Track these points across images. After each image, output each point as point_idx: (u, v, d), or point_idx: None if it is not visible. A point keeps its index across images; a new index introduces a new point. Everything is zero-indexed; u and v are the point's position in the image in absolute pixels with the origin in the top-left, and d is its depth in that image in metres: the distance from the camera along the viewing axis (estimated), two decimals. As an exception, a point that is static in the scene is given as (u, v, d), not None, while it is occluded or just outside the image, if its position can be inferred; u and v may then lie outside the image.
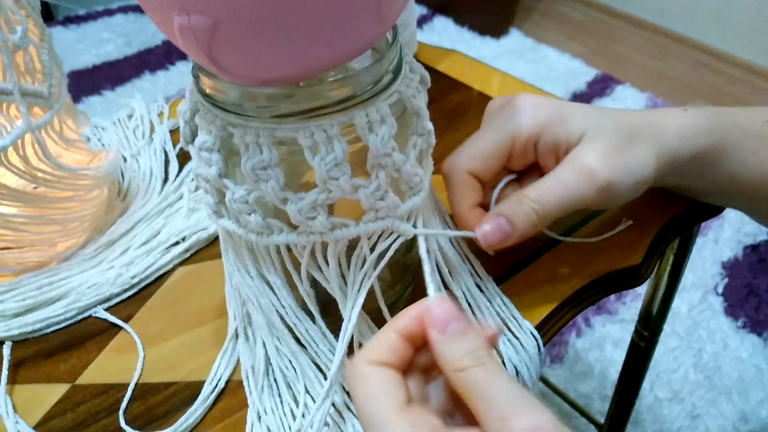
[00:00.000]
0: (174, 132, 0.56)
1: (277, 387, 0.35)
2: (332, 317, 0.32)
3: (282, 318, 0.33)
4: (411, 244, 0.33)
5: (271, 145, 0.27)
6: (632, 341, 0.68)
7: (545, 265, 0.41)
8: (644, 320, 0.65)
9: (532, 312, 0.37)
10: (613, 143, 0.35)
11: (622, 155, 0.35)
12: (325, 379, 0.33)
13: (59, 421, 0.34)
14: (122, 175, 0.51)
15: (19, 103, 0.38)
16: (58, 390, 0.36)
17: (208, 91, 0.28)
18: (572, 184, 0.34)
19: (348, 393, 0.33)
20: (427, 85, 0.32)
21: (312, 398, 0.34)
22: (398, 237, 0.30)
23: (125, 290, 0.42)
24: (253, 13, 0.22)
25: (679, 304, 1.08)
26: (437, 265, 0.34)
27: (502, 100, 0.39)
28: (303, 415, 0.33)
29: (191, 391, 0.35)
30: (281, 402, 0.34)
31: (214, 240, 0.45)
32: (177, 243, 0.44)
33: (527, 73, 1.78)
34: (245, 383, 0.35)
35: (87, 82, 1.70)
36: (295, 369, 0.34)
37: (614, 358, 1.00)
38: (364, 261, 0.30)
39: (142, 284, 0.42)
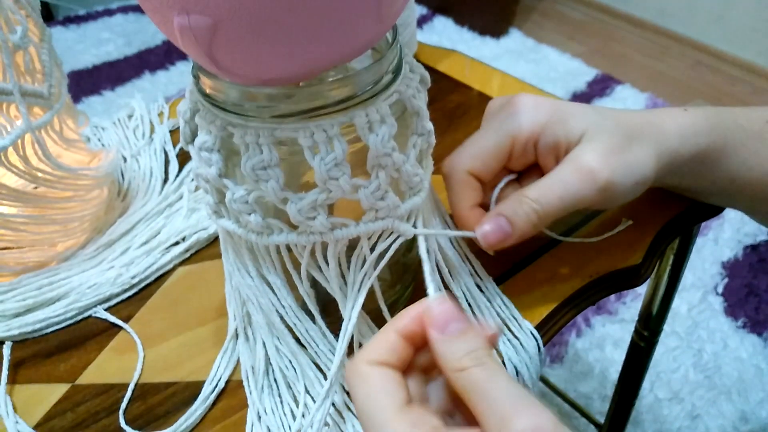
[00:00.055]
0: (174, 132, 0.56)
1: (277, 387, 0.35)
2: (332, 317, 0.32)
3: (282, 318, 0.33)
4: (411, 244, 0.33)
5: (271, 145, 0.27)
6: (632, 341, 0.68)
7: (545, 265, 0.41)
8: (644, 320, 0.65)
9: (532, 312, 0.37)
10: (613, 143, 0.35)
11: (622, 155, 0.35)
12: (325, 379, 0.33)
13: (59, 421, 0.34)
14: (122, 175, 0.51)
15: (19, 103, 0.38)
16: (58, 390, 0.36)
17: (208, 91, 0.28)
18: (572, 184, 0.34)
19: (348, 393, 0.33)
20: (427, 85, 0.32)
21: (312, 398, 0.34)
22: (398, 237, 0.30)
23: (125, 290, 0.42)
24: (253, 12, 0.22)
25: (679, 304, 1.09)
26: (437, 265, 0.34)
27: (502, 100, 0.39)
28: (303, 415, 0.33)
29: (191, 391, 0.35)
30: (281, 402, 0.34)
31: (214, 240, 0.45)
32: (177, 243, 0.44)
33: (527, 73, 1.78)
34: (245, 383, 0.35)
35: (87, 82, 1.71)
36: (295, 369, 0.34)
37: (614, 358, 1.00)
38: (364, 261, 0.30)
39: (142, 284, 0.42)
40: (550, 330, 0.38)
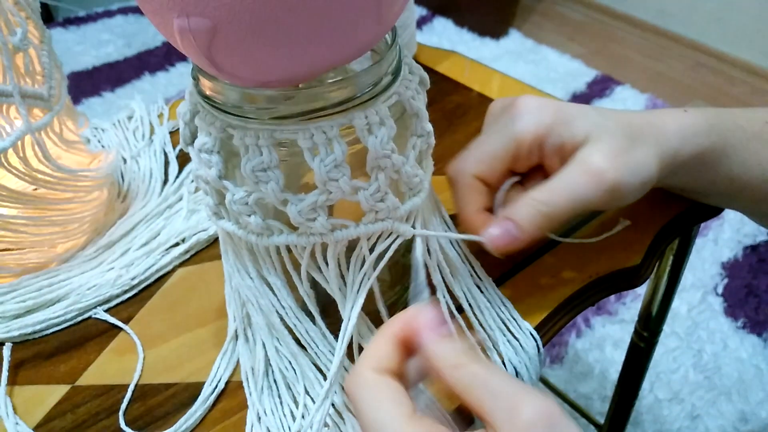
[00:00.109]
0: (174, 133, 0.56)
1: (277, 388, 0.35)
2: (332, 318, 0.32)
3: (282, 319, 0.33)
4: (410, 244, 0.33)
5: (271, 146, 0.27)
6: (632, 342, 0.69)
7: (545, 265, 0.41)
8: (644, 321, 0.65)
9: (531, 313, 0.38)
10: (617, 144, 0.35)
11: (628, 156, 0.35)
12: (325, 380, 0.33)
13: (59, 422, 0.35)
14: (122, 176, 0.51)
15: (18, 104, 0.38)
16: (58, 391, 0.36)
17: (207, 92, 0.28)
18: (580, 186, 0.34)
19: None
20: (426, 87, 0.32)
21: (312, 399, 0.34)
22: (397, 237, 0.30)
23: (125, 291, 0.42)
24: (253, 14, 0.22)
25: (678, 304, 1.09)
26: (438, 266, 0.34)
27: (504, 102, 0.39)
28: (303, 416, 0.33)
29: (191, 392, 0.35)
30: (281, 403, 0.34)
31: (213, 241, 0.45)
32: (177, 244, 0.44)
33: (527, 74, 1.78)
34: (245, 384, 0.35)
35: (87, 84, 1.71)
36: (294, 370, 0.34)
37: (614, 358, 1.00)
38: (364, 262, 0.30)
39: (142, 285, 0.42)
40: (550, 331, 0.38)
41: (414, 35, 0.63)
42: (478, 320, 0.36)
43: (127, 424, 0.34)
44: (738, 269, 1.15)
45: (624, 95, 1.70)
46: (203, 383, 0.35)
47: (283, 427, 0.33)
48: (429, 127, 0.31)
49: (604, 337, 1.04)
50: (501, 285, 0.39)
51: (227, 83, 0.27)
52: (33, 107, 0.40)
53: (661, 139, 0.36)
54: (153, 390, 0.36)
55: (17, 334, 0.39)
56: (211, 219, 0.32)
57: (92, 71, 1.77)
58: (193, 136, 0.30)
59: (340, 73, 0.33)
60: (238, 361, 0.37)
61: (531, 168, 0.38)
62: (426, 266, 0.31)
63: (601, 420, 0.81)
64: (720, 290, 1.12)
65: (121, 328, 0.39)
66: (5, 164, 0.38)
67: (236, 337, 0.37)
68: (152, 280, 0.42)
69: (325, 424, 0.32)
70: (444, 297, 0.34)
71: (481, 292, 0.38)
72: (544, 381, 0.91)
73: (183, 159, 0.52)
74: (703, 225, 0.53)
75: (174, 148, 0.54)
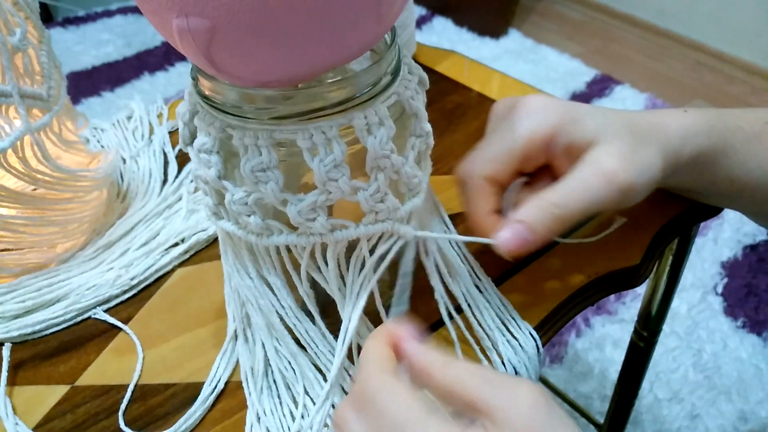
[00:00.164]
0: (173, 133, 0.56)
1: (277, 388, 0.35)
2: (332, 318, 0.32)
3: (281, 319, 0.33)
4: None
5: (270, 146, 0.27)
6: (632, 341, 0.69)
7: (544, 265, 0.41)
8: (644, 320, 0.65)
9: (531, 312, 0.38)
10: (625, 144, 0.35)
11: (636, 156, 0.35)
12: (325, 380, 0.33)
13: (59, 422, 0.35)
14: (121, 176, 0.51)
15: (18, 105, 0.38)
16: (58, 391, 0.36)
17: (206, 92, 0.28)
18: (593, 187, 0.34)
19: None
20: (425, 87, 0.32)
21: (311, 399, 0.34)
22: (398, 239, 0.30)
23: (124, 291, 0.42)
24: (252, 15, 0.22)
25: (678, 304, 1.09)
26: (436, 266, 0.34)
27: (508, 102, 0.39)
28: (302, 416, 0.33)
29: (191, 392, 0.35)
30: (280, 403, 0.34)
31: (213, 241, 0.45)
32: (176, 244, 0.44)
33: (526, 74, 1.78)
34: (244, 384, 0.35)
35: (86, 84, 1.71)
36: (294, 370, 0.34)
37: (614, 358, 1.00)
38: (363, 262, 0.30)
39: (142, 286, 0.42)
40: (550, 330, 0.38)
41: (413, 35, 0.63)
42: (477, 320, 0.36)
43: (126, 425, 0.34)
44: (738, 269, 1.15)
45: (623, 95, 1.70)
46: (203, 383, 0.35)
47: (282, 427, 0.33)
48: (428, 127, 0.31)
49: (604, 336, 1.04)
50: (500, 285, 0.39)
51: (226, 83, 0.27)
52: (32, 107, 0.40)
53: (663, 140, 0.36)
54: (153, 390, 0.36)
55: (17, 335, 0.39)
56: (210, 219, 0.32)
57: (91, 71, 1.77)
58: (193, 136, 0.30)
59: (339, 73, 0.33)
60: (237, 361, 0.37)
61: (538, 168, 0.38)
62: (413, 273, 0.31)
63: (601, 420, 0.81)
64: (720, 290, 1.12)
65: (120, 329, 0.39)
66: (4, 164, 0.38)
67: (236, 337, 0.37)
68: (152, 280, 0.42)
69: (325, 425, 0.32)
70: (443, 298, 0.34)
71: (480, 292, 0.38)
72: (544, 381, 0.91)
73: (182, 159, 0.52)
74: (702, 224, 0.53)
75: (173, 148, 0.54)
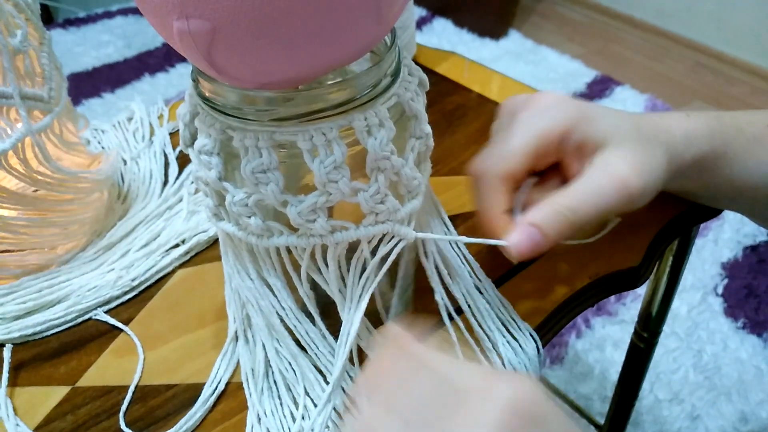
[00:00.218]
0: (174, 135, 0.56)
1: (277, 389, 0.35)
2: (332, 319, 0.32)
3: (282, 320, 0.33)
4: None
5: (271, 148, 0.27)
6: (632, 342, 0.69)
7: (544, 266, 0.41)
8: (644, 321, 0.65)
9: (531, 313, 0.38)
10: (636, 148, 0.35)
11: (646, 160, 0.35)
12: (325, 381, 0.33)
13: (59, 423, 0.35)
14: (122, 177, 0.51)
15: (19, 106, 0.38)
16: (59, 392, 0.36)
17: (207, 94, 0.28)
18: (607, 192, 0.34)
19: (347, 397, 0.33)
20: (425, 88, 0.32)
21: (312, 400, 0.34)
22: (399, 241, 0.30)
23: (125, 293, 0.42)
24: (253, 16, 0.22)
25: (678, 305, 1.09)
26: (436, 267, 0.34)
27: (519, 99, 0.38)
28: (303, 417, 0.33)
29: (191, 393, 0.35)
30: (281, 404, 0.34)
31: (213, 242, 0.45)
32: (177, 245, 0.45)
33: (527, 75, 1.78)
34: (245, 385, 0.35)
35: (87, 85, 1.71)
36: (294, 371, 0.34)
37: (614, 359, 1.00)
38: (364, 264, 0.30)
39: (142, 287, 0.42)
40: (550, 331, 0.38)
41: (413, 36, 0.63)
42: (477, 321, 0.36)
43: (127, 426, 0.34)
44: (738, 269, 1.15)
45: (624, 95, 1.70)
46: (203, 384, 0.36)
47: (283, 428, 0.33)
48: (428, 129, 0.31)
49: (604, 337, 1.04)
50: (500, 286, 0.39)
51: (227, 85, 0.27)
52: (33, 109, 0.40)
53: (666, 143, 0.36)
54: (153, 391, 0.36)
55: (17, 336, 0.39)
56: (211, 220, 0.32)
57: (92, 72, 1.77)
58: (193, 138, 0.30)
59: (339, 75, 0.33)
60: (238, 363, 0.37)
61: (548, 167, 0.38)
62: (413, 274, 0.31)
63: (601, 420, 0.81)
64: (720, 290, 1.12)
65: (121, 330, 0.39)
66: (6, 166, 0.38)
67: (236, 338, 0.37)
68: (152, 281, 0.43)
69: (326, 427, 0.32)
70: (443, 299, 0.34)
71: (481, 293, 0.38)
72: (544, 382, 0.91)
73: (183, 160, 0.52)
74: (703, 225, 0.53)
75: (174, 149, 0.54)
